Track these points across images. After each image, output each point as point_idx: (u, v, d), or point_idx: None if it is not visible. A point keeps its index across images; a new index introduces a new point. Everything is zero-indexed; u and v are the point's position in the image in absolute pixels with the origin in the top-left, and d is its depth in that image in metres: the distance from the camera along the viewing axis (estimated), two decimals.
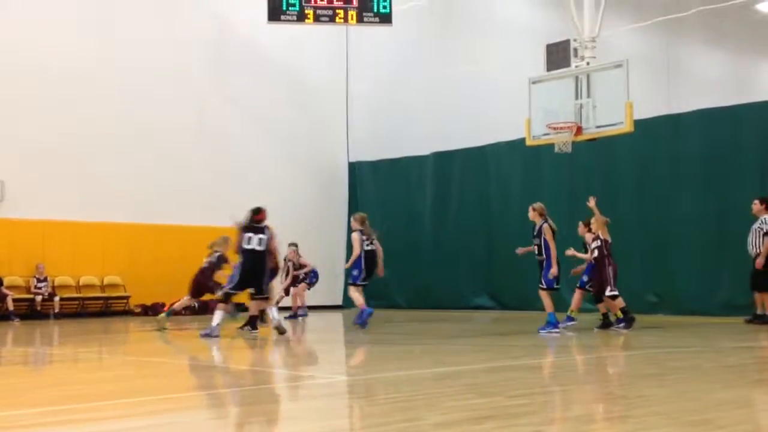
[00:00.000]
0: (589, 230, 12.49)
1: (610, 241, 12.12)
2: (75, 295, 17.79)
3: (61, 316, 17.19)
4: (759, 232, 13.37)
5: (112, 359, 10.09)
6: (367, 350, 10.62)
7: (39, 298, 17.11)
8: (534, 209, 11.96)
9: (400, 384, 7.11)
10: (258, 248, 11.33)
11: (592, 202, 12.11)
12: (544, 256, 11.73)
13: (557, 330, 11.64)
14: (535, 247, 11.88)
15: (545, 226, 11.79)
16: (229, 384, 7.50)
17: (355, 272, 12.93)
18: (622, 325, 11.91)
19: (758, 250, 13.30)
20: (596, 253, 12.10)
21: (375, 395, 6.47)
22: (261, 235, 11.37)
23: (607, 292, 11.95)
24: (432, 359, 8.99)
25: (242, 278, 11.37)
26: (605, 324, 12.18)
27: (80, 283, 18.02)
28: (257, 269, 11.37)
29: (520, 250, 12.65)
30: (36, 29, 17.76)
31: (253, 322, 11.99)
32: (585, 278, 12.70)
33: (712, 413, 5.29)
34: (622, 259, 16.56)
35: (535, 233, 11.88)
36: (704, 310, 15.16)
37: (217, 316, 11.30)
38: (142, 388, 7.07)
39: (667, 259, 16.20)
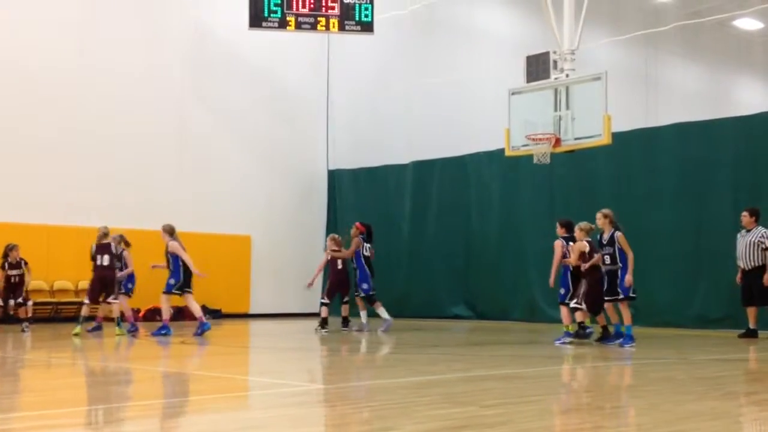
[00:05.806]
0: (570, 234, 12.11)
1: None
2: (49, 299, 17.59)
3: (35, 321, 16.99)
4: (759, 246, 12.85)
5: (87, 365, 9.99)
6: (342, 359, 10.59)
7: (12, 302, 16.87)
8: (605, 216, 11.40)
9: (375, 392, 7.10)
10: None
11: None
12: (620, 264, 11.28)
13: (632, 344, 11.14)
14: (607, 256, 11.40)
15: (618, 234, 11.32)
16: (206, 391, 7.44)
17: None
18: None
19: (755, 264, 12.84)
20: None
21: (350, 403, 6.45)
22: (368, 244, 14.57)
23: (572, 303, 11.72)
24: (407, 368, 8.98)
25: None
26: (604, 336, 11.81)
27: (54, 288, 17.82)
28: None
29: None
30: (15, 29, 17.60)
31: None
32: (562, 291, 12.26)
33: (684, 425, 5.33)
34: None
35: (605, 241, 11.42)
36: (679, 323, 15.27)
37: (383, 311, 14.29)
38: (116, 394, 7.01)
39: (643, 272, 16.24)
